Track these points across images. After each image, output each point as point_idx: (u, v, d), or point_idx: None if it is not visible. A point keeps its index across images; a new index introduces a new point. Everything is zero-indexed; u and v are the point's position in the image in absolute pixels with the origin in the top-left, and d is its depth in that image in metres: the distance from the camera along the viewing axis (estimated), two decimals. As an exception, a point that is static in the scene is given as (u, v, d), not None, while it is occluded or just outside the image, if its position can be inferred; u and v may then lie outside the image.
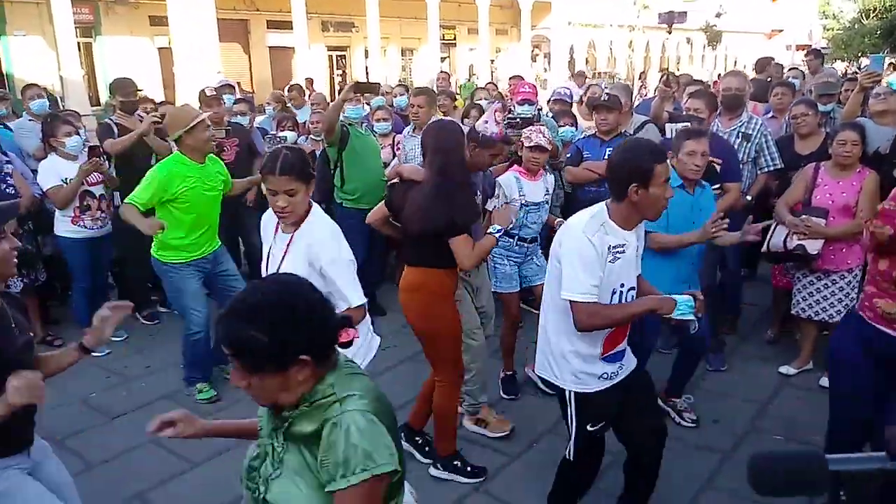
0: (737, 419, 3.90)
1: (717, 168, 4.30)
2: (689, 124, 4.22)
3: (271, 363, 1.46)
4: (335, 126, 4.90)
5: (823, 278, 4.27)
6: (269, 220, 2.80)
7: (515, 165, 4.11)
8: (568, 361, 2.64)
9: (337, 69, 27.17)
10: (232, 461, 3.61)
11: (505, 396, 4.28)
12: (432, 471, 3.53)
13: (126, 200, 4.03)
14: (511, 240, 4.09)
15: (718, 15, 37.34)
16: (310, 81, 13.41)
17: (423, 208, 3.09)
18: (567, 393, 2.68)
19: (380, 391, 1.62)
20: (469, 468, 3.49)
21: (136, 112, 5.58)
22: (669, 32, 24.31)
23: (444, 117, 5.69)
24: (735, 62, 37.20)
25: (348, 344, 1.54)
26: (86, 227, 5.02)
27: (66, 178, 4.86)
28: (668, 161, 2.56)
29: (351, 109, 5.20)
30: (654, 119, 5.10)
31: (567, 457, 2.80)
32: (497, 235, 3.21)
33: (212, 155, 4.38)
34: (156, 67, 20.66)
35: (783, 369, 4.51)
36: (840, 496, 1.06)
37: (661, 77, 6.06)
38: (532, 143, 3.98)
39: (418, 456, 3.61)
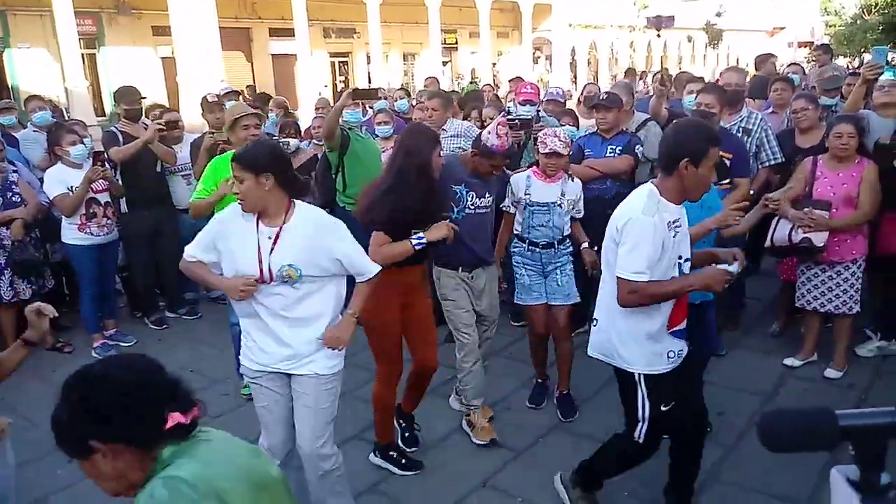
0: (741, 412, 3.91)
1: (727, 163, 4.31)
2: None
3: (68, 447, 1.41)
4: (335, 131, 4.94)
5: (828, 270, 4.28)
6: (238, 213, 2.72)
7: (534, 167, 4.02)
8: (638, 344, 2.72)
9: (339, 75, 27.26)
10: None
11: (528, 405, 4.15)
12: (371, 457, 3.65)
13: (191, 199, 4.21)
14: (523, 244, 3.99)
15: (719, 14, 37.35)
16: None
17: (370, 202, 3.28)
18: (637, 376, 2.75)
19: (233, 451, 1.56)
20: (404, 461, 3.59)
21: (142, 120, 5.64)
22: (658, 35, 24.56)
23: (455, 120, 5.72)
24: (737, 60, 37.12)
25: (178, 427, 1.45)
26: (92, 234, 5.07)
27: (71, 187, 4.91)
28: (718, 147, 2.67)
29: (349, 114, 5.23)
30: (653, 116, 5.13)
31: (636, 440, 2.82)
32: (414, 243, 3.18)
33: None
34: (159, 77, 20.77)
35: (787, 361, 4.52)
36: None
37: (655, 76, 6.08)
38: (547, 150, 3.82)
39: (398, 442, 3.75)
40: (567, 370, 4.07)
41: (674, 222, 2.63)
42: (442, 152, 3.43)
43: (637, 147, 4.68)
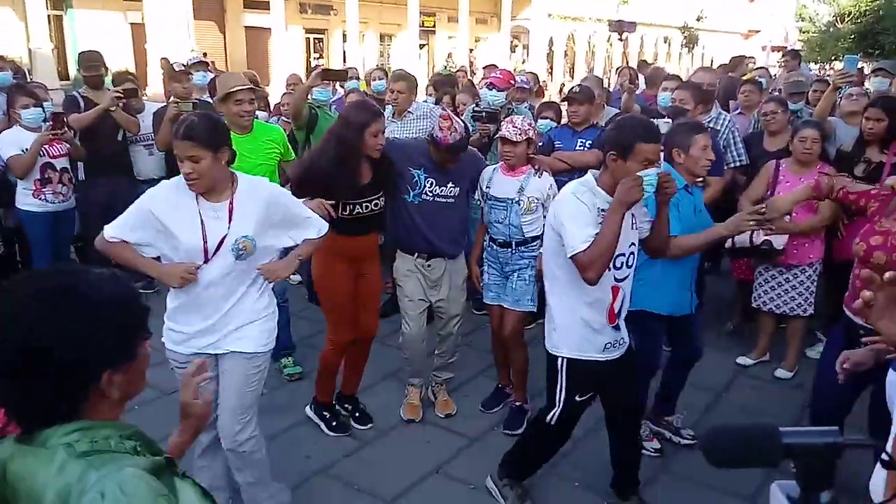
0: (692, 407, 3.97)
1: None
2: (668, 120, 4.24)
3: None
4: (301, 110, 4.85)
5: (785, 272, 4.36)
6: (172, 190, 2.60)
7: None
8: (572, 330, 2.78)
9: (314, 52, 26.88)
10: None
11: (482, 409, 4.01)
12: (306, 409, 3.85)
13: None
14: (486, 240, 3.86)
15: (699, 19, 37.71)
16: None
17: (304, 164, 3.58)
18: (560, 361, 2.83)
19: None
20: (334, 423, 3.75)
21: (108, 86, 5.48)
22: (621, 39, 25.09)
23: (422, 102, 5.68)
24: (712, 61, 37.53)
25: None
26: (47, 201, 4.93)
27: (25, 149, 4.77)
28: (657, 145, 2.67)
29: (319, 92, 5.15)
30: (624, 111, 5.15)
31: (549, 422, 2.91)
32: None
33: (267, 125, 4.34)
34: (128, 43, 20.24)
35: (740, 360, 4.61)
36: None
37: (621, 71, 6.10)
38: (499, 135, 3.72)
39: (353, 423, 3.81)
40: (520, 381, 3.87)
41: (604, 210, 2.66)
42: (403, 134, 3.44)
43: (606, 141, 4.69)
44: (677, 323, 3.42)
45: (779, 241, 4.18)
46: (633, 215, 2.75)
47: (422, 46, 29.43)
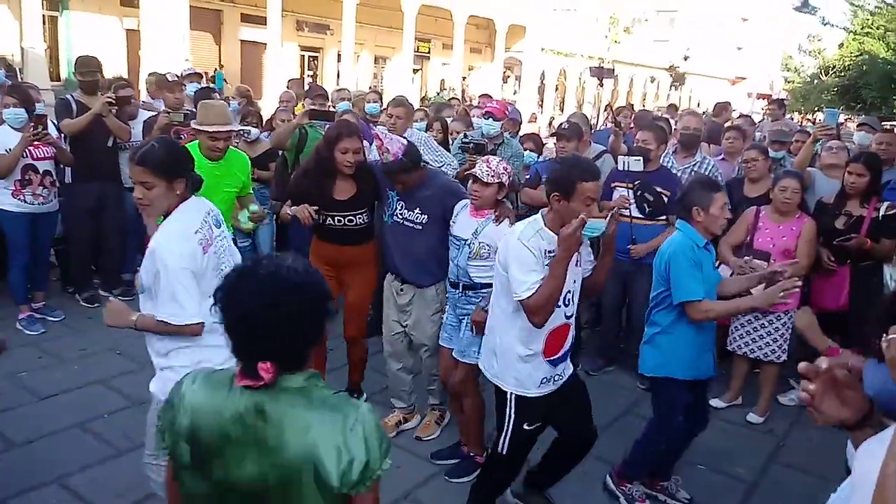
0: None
1: (665, 199, 4.46)
2: (639, 158, 4.34)
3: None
4: (285, 142, 5.01)
5: (761, 318, 4.42)
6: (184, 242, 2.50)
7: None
8: (512, 365, 2.87)
9: (308, 70, 27.01)
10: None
11: (430, 460, 3.78)
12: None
13: None
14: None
15: (686, 58, 38.46)
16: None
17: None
18: (508, 394, 2.91)
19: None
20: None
21: (101, 93, 5.48)
22: (601, 85, 25.68)
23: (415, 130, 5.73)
24: (699, 104, 38.24)
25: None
26: (25, 202, 4.88)
27: (8, 149, 4.74)
28: (597, 182, 2.74)
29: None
30: (612, 152, 5.25)
31: (499, 451, 2.97)
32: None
33: (238, 153, 4.23)
34: (122, 49, 20.24)
35: (713, 402, 4.63)
36: None
37: (608, 111, 6.23)
38: (471, 172, 3.48)
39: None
40: (473, 430, 3.65)
41: (550, 252, 2.72)
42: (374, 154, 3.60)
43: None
44: (693, 387, 3.32)
45: (757, 288, 4.23)
46: (578, 253, 2.79)
47: (415, 71, 29.69)
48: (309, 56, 27.28)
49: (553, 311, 2.73)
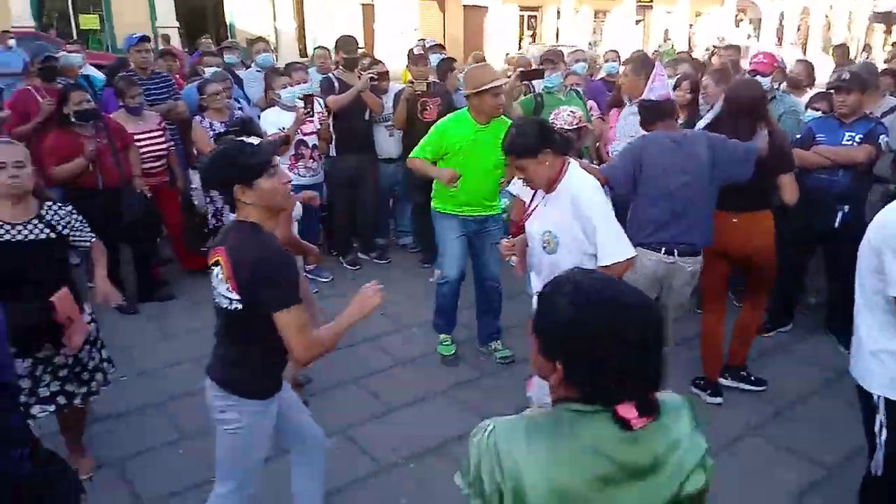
0: None
1: None
2: None
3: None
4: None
5: None
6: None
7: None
8: (882, 362, 2.36)
9: (527, 29, 26.88)
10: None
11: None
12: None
13: (411, 154, 4.20)
14: None
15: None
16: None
17: None
18: (875, 398, 2.41)
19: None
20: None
21: (357, 69, 5.86)
22: (888, 32, 21.78)
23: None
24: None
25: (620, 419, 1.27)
26: (299, 175, 5.35)
27: (282, 128, 5.18)
28: None
29: (550, 79, 5.33)
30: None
31: (873, 472, 2.46)
32: None
33: (504, 120, 4.22)
34: (357, 23, 21.57)
35: None
36: None
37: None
38: None
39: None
40: None
41: None
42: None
43: (882, 136, 4.17)
44: None
45: None
46: None
47: (637, 22, 28.29)
48: (528, 15, 27.10)
49: None
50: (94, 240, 3.08)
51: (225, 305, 2.20)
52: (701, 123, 3.99)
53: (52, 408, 2.99)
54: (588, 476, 1.23)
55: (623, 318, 1.23)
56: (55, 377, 2.97)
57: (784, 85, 5.29)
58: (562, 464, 1.23)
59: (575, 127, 4.03)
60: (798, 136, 4.48)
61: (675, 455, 1.29)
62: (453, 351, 4.40)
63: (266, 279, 2.10)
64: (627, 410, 1.22)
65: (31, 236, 2.81)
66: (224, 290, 2.17)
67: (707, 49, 16.60)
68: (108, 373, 3.25)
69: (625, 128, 4.68)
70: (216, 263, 2.22)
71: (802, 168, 4.33)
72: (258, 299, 2.12)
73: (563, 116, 4.08)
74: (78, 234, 3.01)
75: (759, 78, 4.46)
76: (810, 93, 5.13)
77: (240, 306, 2.15)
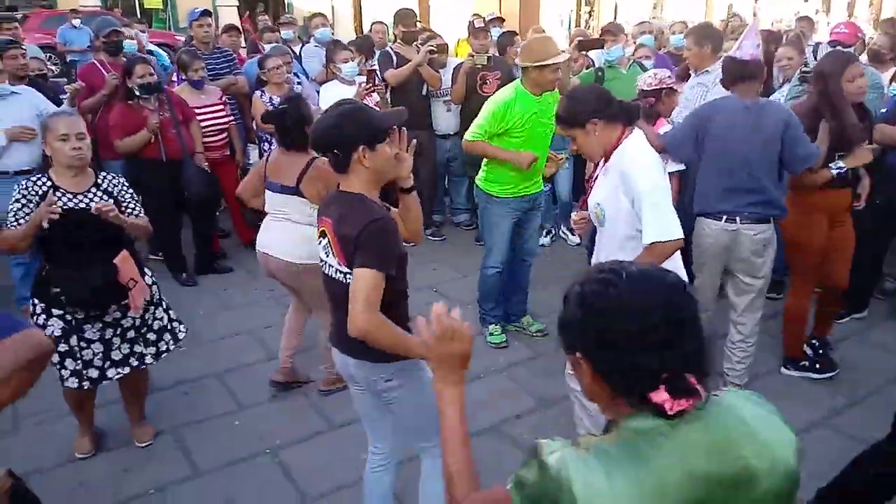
0: None
1: None
2: None
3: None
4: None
5: None
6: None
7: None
8: None
9: (585, 5, 26.24)
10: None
11: None
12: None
13: (467, 137, 4.01)
14: None
15: None
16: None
17: None
18: None
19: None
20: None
21: (415, 43, 5.78)
22: None
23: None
24: None
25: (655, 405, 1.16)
26: (358, 149, 5.34)
27: None
28: None
29: (611, 51, 5.23)
30: None
31: None
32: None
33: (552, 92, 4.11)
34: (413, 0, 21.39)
35: None
36: None
37: None
38: None
39: None
40: None
41: None
42: None
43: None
44: None
45: None
46: None
47: (700, -4, 27.29)
48: (586, -11, 26.43)
49: None
50: (142, 214, 3.12)
51: (339, 278, 2.15)
52: (780, 95, 3.79)
53: (126, 370, 3.09)
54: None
55: (636, 297, 1.16)
56: (124, 339, 3.07)
57: (865, 58, 4.99)
58: (654, 497, 1.11)
59: (654, 88, 3.90)
60: (883, 110, 4.22)
61: (766, 456, 1.20)
62: (504, 339, 4.29)
63: (369, 237, 2.02)
64: (658, 395, 1.13)
65: (93, 204, 2.89)
66: (335, 262, 2.15)
67: (772, 23, 15.91)
68: (177, 332, 3.31)
69: (688, 100, 4.48)
70: (322, 234, 2.19)
71: (884, 145, 4.10)
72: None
73: (644, 77, 4.03)
74: (132, 204, 3.08)
75: (839, 48, 4.20)
76: (894, 68, 4.85)
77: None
